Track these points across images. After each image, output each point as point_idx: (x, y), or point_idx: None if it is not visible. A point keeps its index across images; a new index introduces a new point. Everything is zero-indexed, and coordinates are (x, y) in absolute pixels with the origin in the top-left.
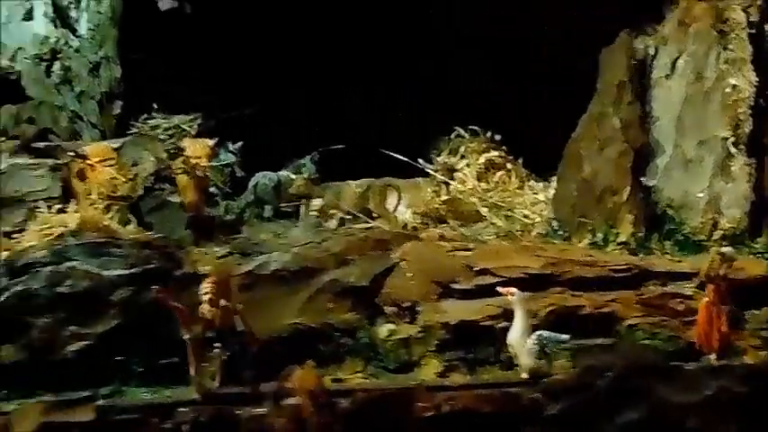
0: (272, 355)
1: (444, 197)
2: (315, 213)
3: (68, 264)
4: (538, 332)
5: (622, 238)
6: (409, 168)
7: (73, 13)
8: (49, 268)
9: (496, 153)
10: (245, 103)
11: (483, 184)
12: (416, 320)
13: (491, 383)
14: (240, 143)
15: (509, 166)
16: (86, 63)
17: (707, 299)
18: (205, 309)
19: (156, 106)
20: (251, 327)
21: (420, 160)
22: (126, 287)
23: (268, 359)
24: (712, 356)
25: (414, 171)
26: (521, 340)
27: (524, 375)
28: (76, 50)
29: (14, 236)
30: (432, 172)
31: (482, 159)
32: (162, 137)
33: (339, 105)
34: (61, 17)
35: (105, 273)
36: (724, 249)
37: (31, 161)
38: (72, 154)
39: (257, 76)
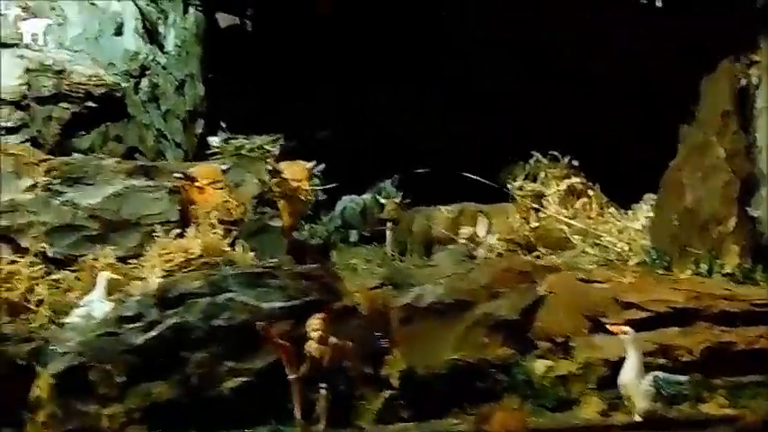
0: (432, 393)
1: (534, 224)
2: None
3: (225, 295)
4: (653, 373)
5: (728, 269)
6: (482, 192)
7: (161, 29)
8: (206, 300)
9: (577, 179)
10: (322, 124)
11: (564, 211)
12: (572, 356)
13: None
14: (323, 165)
15: (590, 192)
16: (173, 80)
17: None
18: (313, 347)
19: (224, 125)
20: (361, 367)
21: (508, 185)
22: (286, 320)
23: (428, 397)
24: None
25: (488, 195)
26: (635, 381)
27: (638, 418)
28: (164, 67)
29: (130, 261)
30: (519, 198)
31: (563, 186)
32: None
33: (412, 128)
34: (150, 33)
35: (264, 305)
36: None
37: (149, 183)
38: (180, 176)
39: (334, 97)
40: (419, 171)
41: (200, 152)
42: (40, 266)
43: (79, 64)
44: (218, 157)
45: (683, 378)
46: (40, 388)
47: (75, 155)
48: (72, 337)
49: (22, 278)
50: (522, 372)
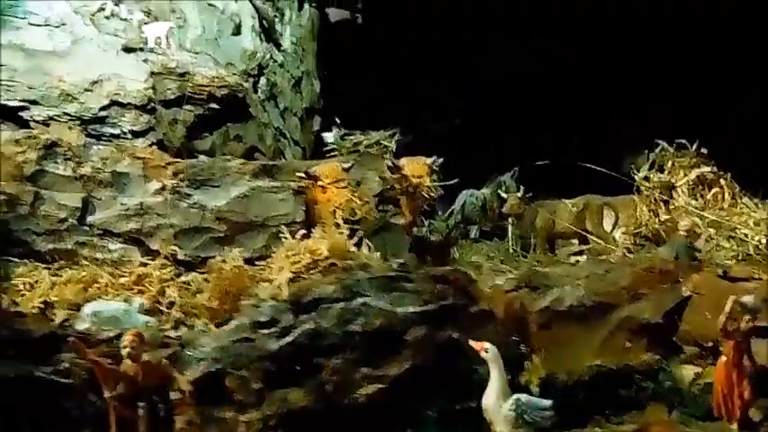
0: (574, 401)
1: (664, 217)
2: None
3: (360, 300)
4: (515, 396)
5: None
6: (605, 184)
7: (278, 27)
8: (341, 305)
9: (707, 168)
10: (439, 118)
11: (694, 202)
12: None
13: None
14: (441, 160)
15: (722, 181)
16: (290, 78)
17: (725, 357)
18: (127, 364)
19: (338, 121)
20: (180, 383)
21: (635, 176)
22: (421, 325)
23: (569, 405)
24: (734, 426)
25: (611, 187)
26: (496, 404)
27: None
28: (281, 65)
29: (258, 263)
30: (646, 190)
31: (692, 175)
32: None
33: (525, 120)
34: (266, 32)
35: (398, 310)
36: (745, 299)
37: (274, 184)
38: (303, 175)
39: (449, 92)
40: (539, 163)
41: (317, 149)
42: (170, 269)
43: (202, 66)
44: (335, 153)
45: (546, 402)
46: (178, 393)
47: (201, 157)
48: (207, 343)
49: (153, 280)
50: (669, 378)
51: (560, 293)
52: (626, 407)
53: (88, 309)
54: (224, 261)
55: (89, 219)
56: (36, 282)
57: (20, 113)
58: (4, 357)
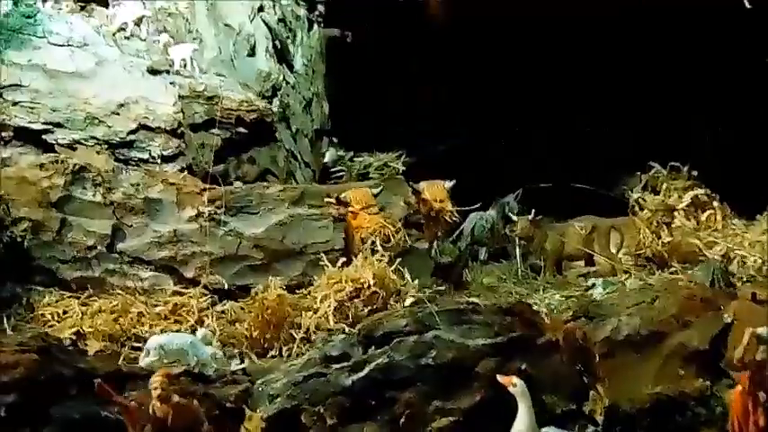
0: (635, 429)
1: (667, 239)
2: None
3: (432, 333)
4: (545, 429)
5: None
6: (598, 204)
7: (291, 49)
8: (413, 338)
9: (701, 191)
10: (441, 140)
11: (687, 223)
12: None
13: None
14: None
15: (714, 204)
16: (301, 100)
17: (740, 387)
18: (156, 405)
19: (335, 140)
20: (210, 427)
21: (629, 197)
22: (491, 357)
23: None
24: None
25: (602, 207)
26: None
27: None
28: (293, 87)
29: (298, 291)
30: (648, 211)
31: (687, 198)
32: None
33: (523, 141)
34: (279, 53)
35: (469, 342)
36: (760, 330)
37: (313, 211)
38: (332, 201)
39: (450, 115)
40: (542, 186)
41: (325, 171)
42: (206, 297)
43: (230, 89)
44: (341, 175)
45: None
46: (250, 431)
47: (237, 183)
48: (278, 378)
49: (190, 310)
50: (719, 403)
51: (618, 323)
52: None
53: (153, 342)
54: (266, 289)
55: (119, 246)
56: (65, 311)
57: (43, 136)
58: (67, 397)
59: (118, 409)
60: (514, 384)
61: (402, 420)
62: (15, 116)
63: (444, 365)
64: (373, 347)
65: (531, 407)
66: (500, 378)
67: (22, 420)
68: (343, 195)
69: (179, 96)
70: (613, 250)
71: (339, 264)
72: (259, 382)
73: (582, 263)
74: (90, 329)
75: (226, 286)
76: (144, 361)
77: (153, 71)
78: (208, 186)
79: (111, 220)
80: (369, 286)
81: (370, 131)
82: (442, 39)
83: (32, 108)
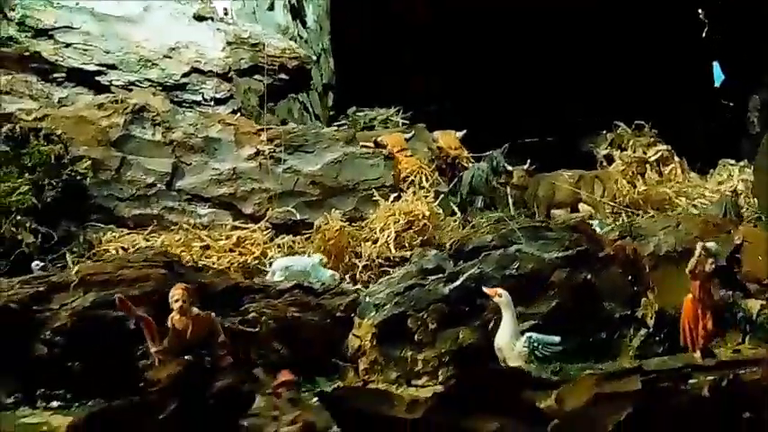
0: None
1: (642, 188)
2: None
3: (515, 247)
4: (528, 334)
5: None
6: (568, 159)
7: (304, 5)
8: (499, 252)
9: (664, 147)
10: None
11: (655, 176)
12: None
13: None
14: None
15: (675, 159)
16: (312, 54)
17: (691, 295)
18: (175, 318)
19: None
20: (225, 337)
21: (597, 153)
22: (563, 268)
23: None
24: (697, 355)
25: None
26: (509, 343)
27: None
28: (305, 41)
29: (353, 224)
30: (622, 164)
31: (655, 153)
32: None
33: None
34: (294, 9)
35: (545, 255)
36: (709, 244)
37: (366, 150)
38: (371, 144)
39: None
40: (527, 140)
41: (331, 124)
42: (267, 231)
43: (272, 37)
44: (347, 126)
45: (556, 338)
46: (361, 338)
47: (292, 124)
48: (380, 289)
49: (255, 242)
50: (740, 310)
51: (658, 241)
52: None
53: (280, 264)
54: (327, 222)
55: (178, 184)
56: (132, 246)
57: (97, 78)
58: None
59: (138, 321)
60: (500, 295)
61: (491, 325)
62: (69, 57)
63: (525, 275)
64: (463, 261)
65: (514, 315)
66: (486, 290)
67: None
68: (380, 138)
69: (227, 42)
70: (596, 198)
71: (391, 198)
72: (364, 293)
73: (568, 210)
74: None
75: (287, 220)
76: (270, 280)
77: (199, 17)
78: (263, 126)
79: (170, 159)
80: (422, 218)
81: (370, 87)
82: (431, 30)
83: (85, 50)
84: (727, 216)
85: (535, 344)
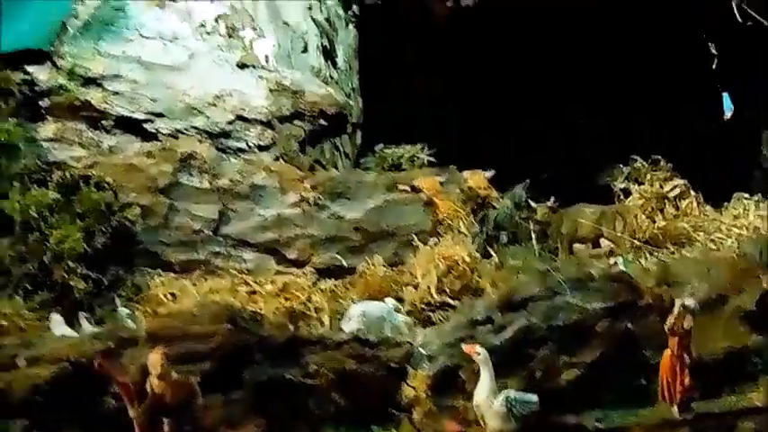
0: (714, 376)
1: (662, 223)
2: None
3: (561, 298)
4: (505, 392)
5: None
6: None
7: (336, 46)
8: (546, 303)
9: (681, 181)
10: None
11: (672, 210)
12: None
13: None
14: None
15: (691, 193)
16: (344, 95)
17: (669, 351)
18: (154, 383)
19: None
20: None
21: (614, 187)
22: (605, 318)
23: (711, 379)
24: (674, 409)
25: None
26: (487, 401)
27: None
28: (336, 82)
29: (394, 268)
30: (640, 198)
31: (671, 187)
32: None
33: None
34: (326, 50)
35: (588, 306)
36: (687, 302)
37: (406, 196)
38: (407, 188)
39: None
40: (547, 175)
41: (358, 163)
42: (310, 276)
43: (311, 83)
44: (371, 166)
45: (534, 397)
46: (416, 388)
47: (333, 170)
48: (433, 340)
49: (300, 288)
50: None
51: (692, 288)
52: (745, 379)
53: (356, 309)
54: (370, 266)
55: (224, 230)
56: (179, 291)
57: (144, 125)
58: (254, 362)
59: (116, 386)
60: (478, 353)
61: (537, 374)
62: (117, 105)
63: (570, 326)
64: (510, 312)
65: (492, 373)
66: (465, 347)
67: (216, 386)
68: (416, 182)
69: (269, 90)
70: (618, 233)
71: (431, 243)
72: (417, 344)
73: (590, 245)
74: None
75: (329, 265)
76: (348, 326)
77: (242, 65)
78: (306, 174)
79: (217, 205)
80: (462, 262)
81: (395, 124)
82: (438, 32)
83: (133, 98)
84: (762, 259)
85: (512, 402)
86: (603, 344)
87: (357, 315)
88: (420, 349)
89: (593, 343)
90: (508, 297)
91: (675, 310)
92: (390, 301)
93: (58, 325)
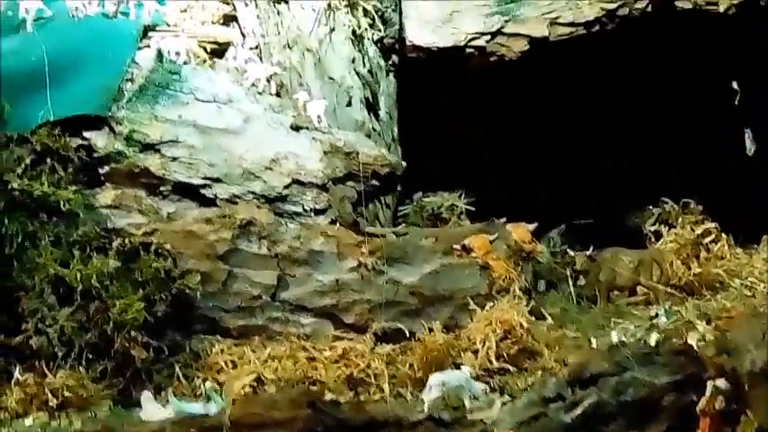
0: None
1: (697, 269)
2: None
3: (630, 374)
4: None
5: None
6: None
7: (378, 97)
8: (615, 378)
9: (713, 224)
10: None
11: (704, 254)
12: None
13: None
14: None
15: (723, 236)
16: (384, 145)
17: None
18: None
19: None
20: None
21: (645, 230)
22: (672, 392)
23: None
24: None
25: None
26: None
27: None
28: (379, 134)
29: (450, 332)
30: (677, 244)
31: (701, 230)
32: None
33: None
34: (368, 102)
35: (656, 381)
36: (719, 382)
37: (463, 261)
38: (458, 247)
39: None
40: (582, 222)
41: (397, 210)
42: (370, 341)
43: (363, 143)
44: (407, 214)
45: None
46: None
47: (389, 235)
48: (505, 418)
49: (359, 354)
50: None
51: (751, 357)
52: None
53: (436, 379)
54: (430, 331)
55: (282, 295)
56: (239, 358)
57: (201, 191)
58: None
59: None
60: None
61: None
62: (175, 171)
63: (639, 401)
64: (580, 388)
65: None
66: None
67: None
68: (467, 242)
69: (323, 152)
70: (654, 280)
71: (488, 307)
72: (489, 423)
73: (627, 293)
74: (271, 376)
75: (386, 329)
76: (428, 396)
77: (296, 128)
78: (363, 238)
79: (275, 271)
80: (519, 327)
81: (433, 172)
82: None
83: (191, 164)
84: None
85: None
86: (669, 418)
87: (437, 385)
88: (493, 428)
89: (660, 417)
90: (578, 373)
91: (708, 391)
92: (466, 369)
93: (148, 402)
